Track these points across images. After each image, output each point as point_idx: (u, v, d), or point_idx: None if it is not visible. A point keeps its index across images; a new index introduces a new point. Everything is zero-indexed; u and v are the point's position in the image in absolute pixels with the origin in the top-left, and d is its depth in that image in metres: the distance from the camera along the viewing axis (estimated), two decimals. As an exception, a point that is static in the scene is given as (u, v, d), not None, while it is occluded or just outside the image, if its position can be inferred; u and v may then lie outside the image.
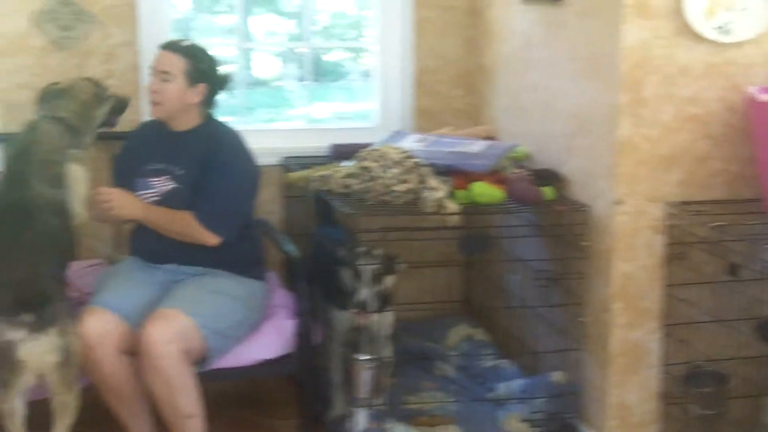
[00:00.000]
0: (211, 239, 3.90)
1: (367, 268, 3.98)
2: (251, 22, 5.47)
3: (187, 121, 4.02)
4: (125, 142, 4.26)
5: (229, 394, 4.67)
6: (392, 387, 4.32)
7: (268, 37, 5.81)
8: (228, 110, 5.11)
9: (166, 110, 3.99)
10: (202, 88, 3.97)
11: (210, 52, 4.09)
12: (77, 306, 3.88)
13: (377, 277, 3.99)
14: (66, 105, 3.99)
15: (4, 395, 3.53)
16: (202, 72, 3.97)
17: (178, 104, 3.97)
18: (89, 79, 4.19)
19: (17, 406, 3.55)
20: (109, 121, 4.21)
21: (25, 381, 3.53)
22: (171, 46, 4.00)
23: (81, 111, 4.01)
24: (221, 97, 4.14)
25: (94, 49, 4.70)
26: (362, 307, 3.96)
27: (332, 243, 4.20)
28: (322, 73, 5.76)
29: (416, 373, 4.59)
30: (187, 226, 3.88)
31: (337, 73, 5.96)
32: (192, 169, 3.93)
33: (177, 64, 3.94)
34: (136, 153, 4.10)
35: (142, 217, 3.93)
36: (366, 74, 5.51)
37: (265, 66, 6.04)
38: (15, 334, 3.45)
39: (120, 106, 4.23)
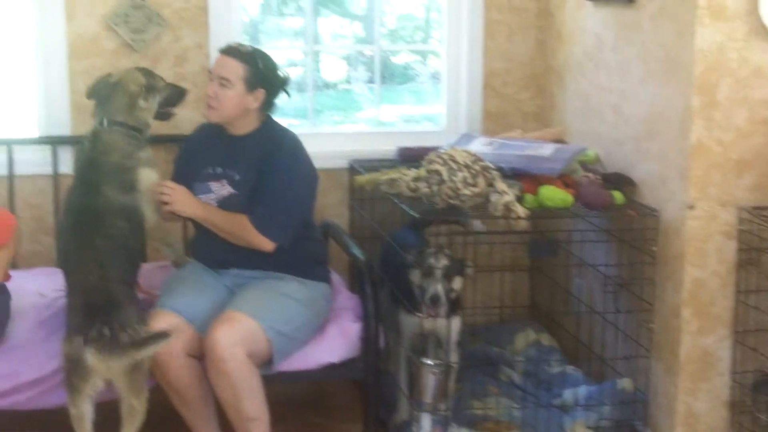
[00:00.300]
0: (266, 244, 3.88)
1: (439, 266, 3.97)
2: (319, 24, 5.47)
3: (245, 126, 4.00)
4: (185, 144, 4.26)
5: (294, 397, 4.67)
6: (457, 392, 4.31)
7: (335, 40, 5.81)
8: (295, 113, 5.11)
9: (222, 115, 3.96)
10: (260, 93, 3.95)
11: (270, 57, 4.05)
12: (146, 308, 3.92)
13: (448, 276, 3.98)
14: (119, 104, 3.95)
15: (74, 400, 3.59)
16: (261, 78, 3.94)
17: (236, 110, 3.94)
18: (141, 69, 4.13)
19: (86, 410, 3.62)
20: (165, 112, 4.16)
21: (94, 386, 3.59)
22: (231, 52, 3.97)
23: (131, 104, 3.97)
24: (280, 100, 4.10)
25: (165, 51, 4.74)
26: (434, 302, 3.95)
27: (402, 246, 4.18)
28: (389, 75, 5.75)
29: (482, 378, 4.55)
30: (242, 229, 3.87)
31: (405, 75, 5.94)
32: (249, 174, 3.92)
33: (236, 70, 3.91)
34: (195, 156, 4.10)
35: (199, 215, 3.92)
36: (434, 77, 5.49)
37: (333, 68, 6.05)
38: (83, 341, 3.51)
39: (175, 96, 4.18)
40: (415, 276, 4.07)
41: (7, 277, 3.92)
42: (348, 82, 5.95)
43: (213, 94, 3.93)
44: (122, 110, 3.95)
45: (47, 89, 4.71)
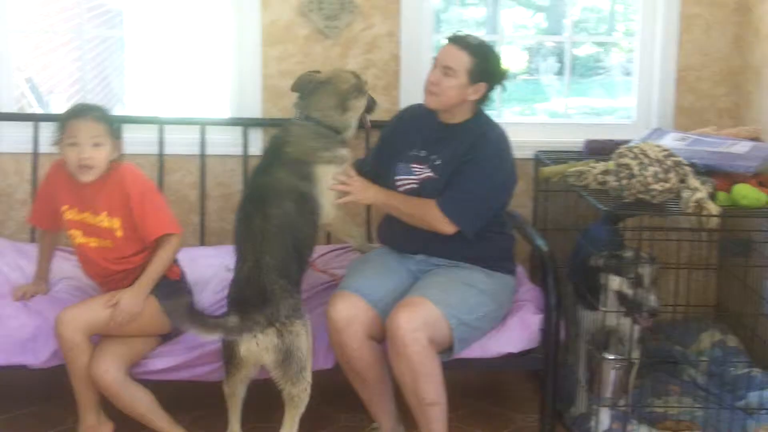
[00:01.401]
0: (448, 227, 3.86)
1: (648, 273, 3.92)
2: (502, 15, 5.44)
3: (457, 115, 4.00)
4: (393, 120, 4.29)
5: (471, 385, 4.67)
6: (637, 388, 4.24)
7: (516, 31, 5.78)
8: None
9: (441, 103, 3.97)
10: (481, 87, 3.93)
11: (496, 51, 4.04)
12: (328, 289, 3.99)
13: (655, 282, 3.94)
14: (322, 102, 3.99)
15: (228, 380, 3.75)
16: (485, 72, 3.92)
17: (455, 100, 3.94)
18: (351, 72, 4.19)
19: (238, 391, 3.79)
20: (364, 119, 4.17)
21: (247, 374, 3.73)
22: (459, 42, 3.95)
23: (338, 103, 4.00)
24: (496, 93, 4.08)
25: (356, 38, 4.81)
26: (652, 315, 3.93)
27: (592, 242, 4.12)
28: (575, 67, 5.70)
29: (663, 376, 4.48)
30: (426, 212, 3.87)
31: (592, 67, 5.88)
32: (452, 162, 3.92)
33: (462, 60, 3.90)
34: (401, 136, 4.12)
35: (380, 200, 3.96)
36: (624, 70, 5.40)
37: (514, 59, 6.03)
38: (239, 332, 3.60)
39: (371, 104, 4.20)
40: (614, 282, 4.00)
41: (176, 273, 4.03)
42: (529, 73, 5.94)
43: (435, 81, 3.94)
44: (322, 108, 3.99)
45: (241, 73, 4.84)
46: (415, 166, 3.99)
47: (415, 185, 3.97)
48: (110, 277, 3.88)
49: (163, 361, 3.89)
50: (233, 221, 3.86)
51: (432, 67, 3.99)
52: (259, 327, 3.59)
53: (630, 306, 3.96)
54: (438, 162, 3.94)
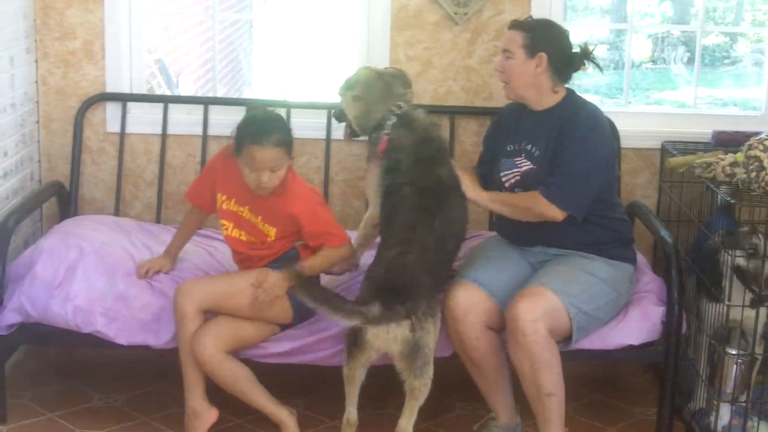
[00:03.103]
0: (556, 213, 3.84)
1: (764, 244, 3.84)
2: (628, 2, 5.38)
3: (542, 100, 3.98)
4: (492, 121, 4.30)
5: (589, 376, 4.66)
6: (759, 385, 4.16)
7: (642, 19, 5.70)
8: (605, 91, 5.07)
9: (513, 89, 3.98)
10: (542, 58, 3.89)
11: (555, 24, 4.05)
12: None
13: None
14: (404, 92, 4.08)
15: (348, 363, 3.73)
16: (539, 41, 3.90)
17: (523, 80, 3.94)
18: (394, 68, 4.29)
19: (358, 374, 3.76)
20: None
21: (369, 358, 3.71)
22: (512, 25, 3.99)
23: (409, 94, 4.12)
24: (572, 68, 4.01)
25: (485, 25, 4.79)
26: None
27: (716, 233, 4.06)
28: (703, 57, 5.61)
29: (787, 373, 4.39)
30: (532, 203, 3.86)
31: (719, 57, 5.78)
32: (548, 150, 3.91)
33: (515, 39, 3.92)
34: (501, 133, 4.13)
35: (483, 199, 3.95)
36: (754, 60, 5.30)
37: (640, 47, 5.95)
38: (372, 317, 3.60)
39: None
40: (731, 257, 3.91)
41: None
42: (653, 61, 5.86)
43: (500, 68, 3.99)
44: (406, 94, 4.07)
45: (368, 58, 4.84)
46: (516, 159, 3.99)
47: (518, 177, 3.97)
48: (249, 260, 3.96)
49: (283, 345, 3.96)
50: (399, 204, 3.83)
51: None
52: (398, 319, 3.60)
53: (748, 280, 3.88)
54: (537, 153, 3.94)
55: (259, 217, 3.88)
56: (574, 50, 4.01)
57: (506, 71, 3.96)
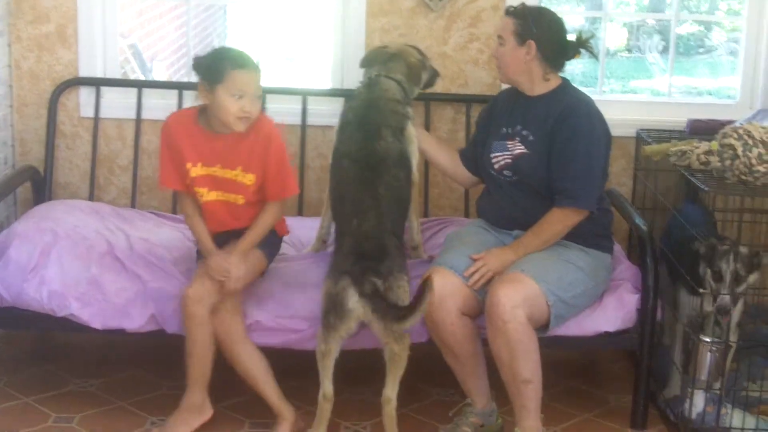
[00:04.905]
0: (578, 216, 3.87)
1: (729, 270, 3.86)
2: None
3: (534, 86, 3.99)
4: (488, 104, 4.30)
5: (564, 363, 4.67)
6: (733, 372, 4.18)
7: (617, 8, 5.70)
8: (580, 79, 5.07)
9: (505, 74, 4.01)
10: (530, 45, 3.90)
11: (548, 12, 4.03)
12: (421, 264, 4.02)
13: (739, 279, 3.88)
14: (398, 68, 4.15)
15: (326, 337, 3.72)
16: (529, 29, 3.90)
17: (514, 65, 3.95)
18: (413, 46, 4.35)
19: (333, 349, 3.74)
20: (422, 91, 4.36)
21: (348, 328, 3.70)
22: (507, 11, 4.01)
23: (410, 76, 4.17)
24: (564, 57, 4.01)
25: (461, 12, 4.79)
26: (722, 313, 3.88)
27: (687, 221, 4.08)
28: (678, 45, 5.62)
29: (759, 360, 4.40)
30: (560, 223, 3.87)
31: (693, 46, 5.80)
32: (543, 136, 3.91)
33: (507, 26, 3.94)
34: (495, 116, 4.13)
35: (522, 253, 3.88)
36: (728, 49, 5.32)
37: (615, 36, 5.97)
38: (350, 284, 3.63)
39: (433, 79, 4.38)
40: (703, 270, 3.96)
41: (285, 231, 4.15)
42: (628, 50, 5.89)
43: (494, 54, 4.04)
44: (400, 72, 4.14)
45: (344, 45, 4.86)
46: (508, 142, 4.00)
47: (509, 160, 3.97)
48: (225, 233, 3.92)
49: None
50: (340, 181, 3.91)
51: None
52: (378, 278, 3.63)
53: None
54: (531, 138, 3.94)
55: (239, 168, 3.83)
56: (569, 39, 4.01)
57: (498, 57, 4.00)
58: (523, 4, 4.01)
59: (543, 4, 4.67)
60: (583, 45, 4.02)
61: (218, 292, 3.77)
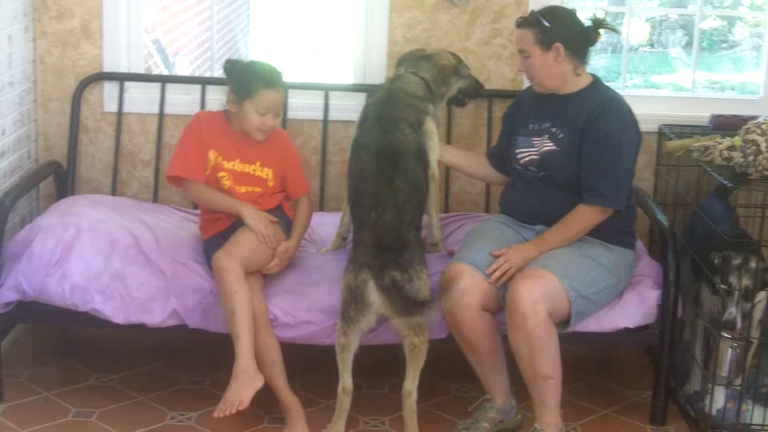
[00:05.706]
0: (604, 214, 3.86)
1: (739, 286, 3.85)
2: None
3: (568, 86, 3.98)
4: (515, 99, 4.30)
5: (584, 359, 4.67)
6: (754, 368, 4.17)
7: (639, 2, 5.68)
8: (598, 74, 5.06)
9: (542, 85, 3.99)
10: (557, 47, 3.88)
11: (561, 9, 4.04)
12: (441, 259, 4.03)
13: (749, 295, 3.86)
14: (427, 68, 4.23)
15: (346, 329, 3.73)
16: (550, 33, 3.88)
17: (547, 72, 3.93)
18: (453, 54, 4.39)
19: (353, 342, 3.75)
20: (461, 99, 4.44)
21: (368, 321, 3.71)
22: (519, 23, 3.98)
23: (439, 76, 4.24)
24: (588, 44, 3.99)
25: (484, 7, 4.78)
26: (730, 327, 3.86)
27: (710, 218, 4.06)
28: (702, 40, 5.59)
29: (781, 356, 4.40)
30: (586, 220, 3.87)
31: (719, 41, 5.77)
32: (573, 134, 3.90)
33: (527, 37, 3.91)
34: (523, 111, 4.12)
35: (540, 253, 3.87)
36: (752, 44, 5.29)
37: (638, 31, 5.95)
38: (370, 276, 3.64)
39: (474, 89, 4.44)
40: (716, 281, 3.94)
41: None
42: (651, 45, 5.86)
43: (522, 69, 4.02)
44: (428, 71, 4.22)
45: (367, 40, 4.85)
46: (534, 138, 3.99)
47: (535, 156, 3.97)
48: (231, 229, 4.00)
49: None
50: (358, 174, 3.95)
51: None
52: (398, 271, 3.64)
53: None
54: (561, 135, 3.93)
55: (258, 162, 4.01)
56: (586, 25, 4.00)
57: (527, 70, 3.98)
58: (534, 12, 3.99)
59: (566, 3, 4.65)
60: (601, 25, 4.00)
61: (248, 257, 3.85)
